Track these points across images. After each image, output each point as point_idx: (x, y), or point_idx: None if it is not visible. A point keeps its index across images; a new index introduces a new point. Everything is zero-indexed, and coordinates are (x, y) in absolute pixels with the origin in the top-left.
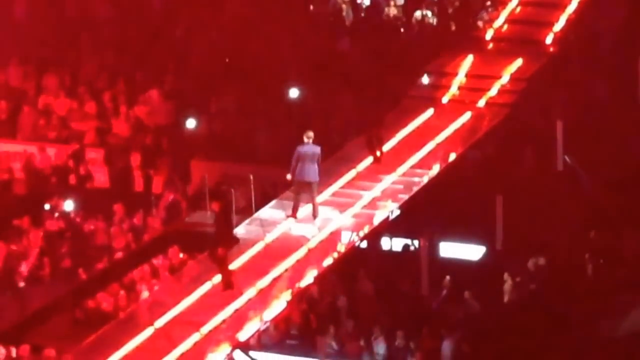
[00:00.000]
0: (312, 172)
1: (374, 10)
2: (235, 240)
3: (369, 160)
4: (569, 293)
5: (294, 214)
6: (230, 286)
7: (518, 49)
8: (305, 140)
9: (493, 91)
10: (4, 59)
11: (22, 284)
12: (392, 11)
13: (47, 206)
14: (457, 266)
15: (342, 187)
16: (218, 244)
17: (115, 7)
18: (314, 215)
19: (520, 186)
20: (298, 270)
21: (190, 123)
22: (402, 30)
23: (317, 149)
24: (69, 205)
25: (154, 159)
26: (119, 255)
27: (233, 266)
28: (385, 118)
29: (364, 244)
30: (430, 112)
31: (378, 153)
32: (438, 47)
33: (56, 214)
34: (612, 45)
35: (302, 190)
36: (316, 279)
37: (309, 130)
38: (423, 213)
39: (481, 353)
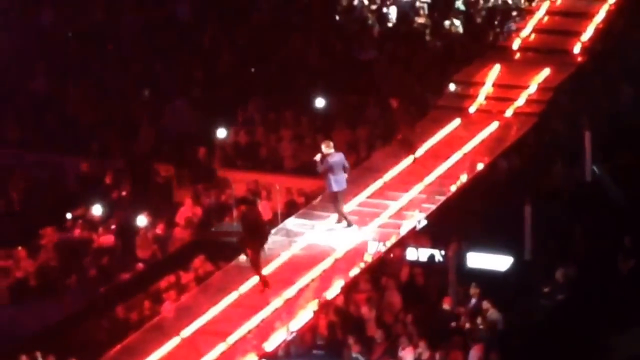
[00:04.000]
0: (344, 180)
1: (400, 19)
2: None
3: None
4: (599, 303)
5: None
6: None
7: (545, 58)
8: (329, 150)
9: (520, 101)
10: (30, 66)
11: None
12: (419, 21)
13: (69, 215)
14: (485, 277)
15: (369, 197)
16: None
17: (143, 15)
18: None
19: (548, 196)
20: (325, 280)
21: (218, 133)
22: (429, 39)
23: (343, 156)
24: (94, 215)
25: (180, 169)
26: (144, 265)
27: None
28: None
29: (391, 254)
30: (457, 122)
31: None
32: (465, 57)
33: (81, 224)
34: None
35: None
36: (343, 289)
37: (328, 140)
38: (450, 223)
39: None
